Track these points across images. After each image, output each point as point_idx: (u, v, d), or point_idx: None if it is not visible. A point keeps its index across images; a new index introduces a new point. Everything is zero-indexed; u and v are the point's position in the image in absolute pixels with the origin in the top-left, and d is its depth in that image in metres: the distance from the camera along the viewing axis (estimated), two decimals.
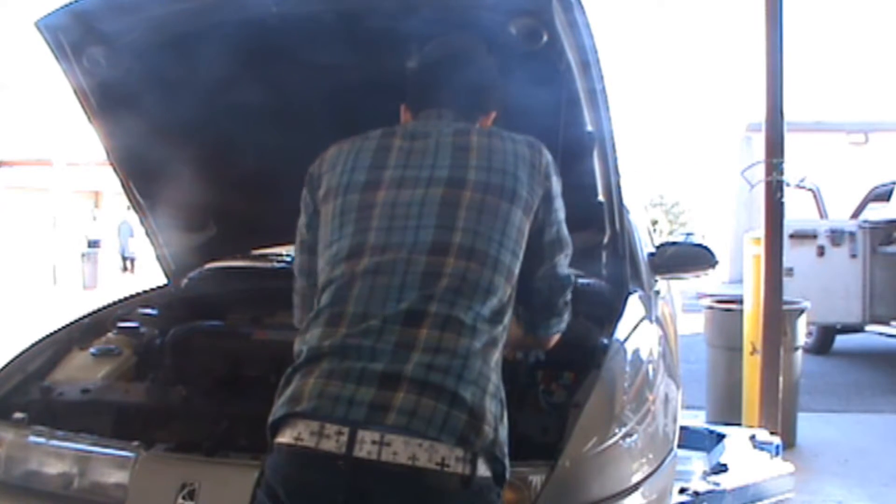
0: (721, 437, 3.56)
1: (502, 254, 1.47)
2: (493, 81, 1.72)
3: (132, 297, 2.86)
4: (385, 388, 1.33)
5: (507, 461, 1.39)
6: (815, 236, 7.61)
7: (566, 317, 1.75)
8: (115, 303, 2.76)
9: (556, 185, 1.61)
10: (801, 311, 5.01)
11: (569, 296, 1.74)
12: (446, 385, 1.34)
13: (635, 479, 1.77)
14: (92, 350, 2.39)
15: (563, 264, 1.68)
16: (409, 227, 1.47)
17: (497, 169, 1.53)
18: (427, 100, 1.68)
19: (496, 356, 1.44)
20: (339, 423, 1.31)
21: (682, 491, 2.67)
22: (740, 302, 4.99)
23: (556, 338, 1.78)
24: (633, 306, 2.33)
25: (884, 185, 8.35)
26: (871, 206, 8.31)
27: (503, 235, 1.49)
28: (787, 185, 4.59)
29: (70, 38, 2.08)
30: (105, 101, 2.26)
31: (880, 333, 7.75)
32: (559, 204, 1.63)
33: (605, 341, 2.06)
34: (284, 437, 1.36)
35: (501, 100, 1.75)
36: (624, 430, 1.79)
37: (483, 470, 1.34)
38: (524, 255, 1.55)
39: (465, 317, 1.40)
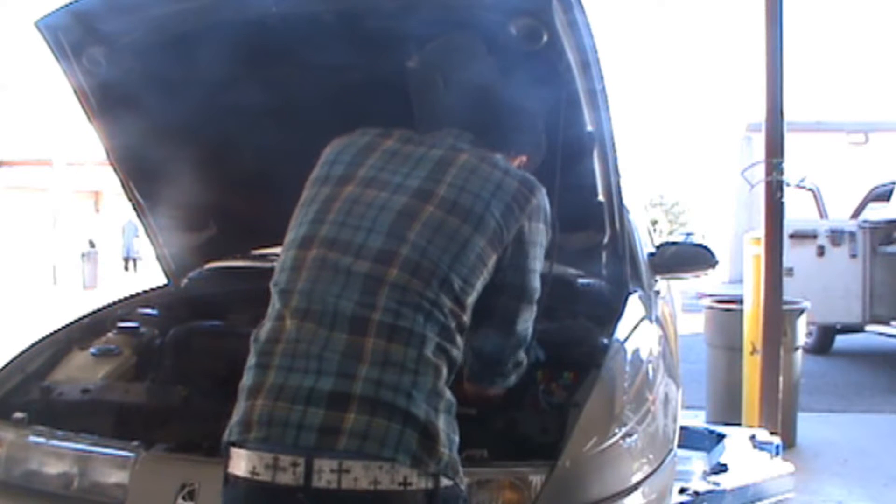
0: (721, 437, 3.56)
1: (451, 277, 1.42)
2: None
3: (132, 297, 2.86)
4: (334, 408, 1.31)
5: (458, 479, 1.38)
6: (815, 236, 7.61)
7: (512, 378, 1.72)
8: (115, 303, 2.76)
9: (537, 232, 1.56)
10: (801, 311, 5.01)
11: (521, 356, 1.69)
12: (397, 403, 1.31)
13: (635, 479, 1.77)
14: (92, 350, 2.39)
15: (521, 317, 1.62)
16: (362, 228, 1.45)
17: (470, 191, 1.49)
18: (455, 121, 1.65)
19: (445, 373, 1.40)
20: (293, 454, 1.30)
21: (682, 491, 2.67)
22: (740, 302, 4.98)
23: (496, 390, 1.76)
24: (633, 306, 2.33)
25: (884, 185, 8.35)
26: (871, 206, 8.31)
27: (455, 259, 1.44)
28: (787, 185, 4.59)
29: (70, 38, 2.07)
30: (105, 101, 2.26)
31: (880, 333, 7.75)
32: (535, 253, 1.57)
33: (605, 341, 2.06)
34: (240, 470, 1.35)
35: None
36: (624, 430, 1.79)
37: (446, 481, 1.34)
38: (486, 294, 1.50)
39: (411, 326, 1.37)
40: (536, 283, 1.61)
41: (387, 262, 1.42)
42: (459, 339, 1.45)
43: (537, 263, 1.59)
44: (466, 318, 1.47)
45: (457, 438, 1.39)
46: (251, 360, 1.43)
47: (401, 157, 1.55)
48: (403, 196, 1.48)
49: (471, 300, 1.47)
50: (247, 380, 1.41)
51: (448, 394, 1.40)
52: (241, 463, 1.35)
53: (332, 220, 1.48)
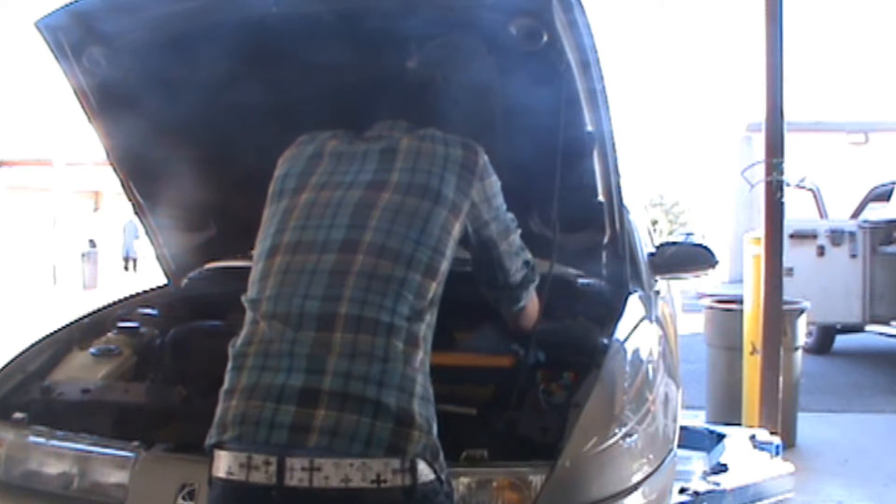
0: (721, 437, 3.56)
1: (419, 251, 1.44)
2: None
3: (132, 297, 2.86)
4: (305, 405, 1.31)
5: (438, 465, 1.36)
6: (815, 236, 7.61)
7: (531, 289, 1.77)
8: (115, 303, 2.76)
9: (492, 185, 1.60)
10: (801, 311, 5.01)
11: (530, 263, 1.76)
12: (367, 394, 1.31)
13: (635, 479, 1.77)
14: (92, 350, 2.39)
15: (514, 249, 1.69)
16: (322, 227, 1.47)
17: (422, 170, 1.51)
18: (387, 111, 1.68)
19: (420, 356, 1.41)
20: (266, 452, 1.30)
21: (682, 491, 2.67)
22: (740, 302, 4.99)
23: (530, 314, 1.81)
24: (633, 306, 2.32)
25: (884, 185, 8.36)
26: (871, 206, 8.31)
27: (421, 234, 1.45)
28: (787, 185, 4.59)
29: (70, 38, 2.07)
30: (105, 101, 2.26)
31: (880, 333, 7.75)
32: (498, 200, 1.62)
33: (605, 341, 2.06)
34: (219, 472, 1.36)
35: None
36: (624, 430, 1.79)
37: (426, 474, 1.32)
38: (476, 252, 1.59)
39: (377, 315, 1.37)
40: (509, 215, 1.67)
41: (352, 250, 1.43)
42: (430, 317, 1.45)
43: (503, 204, 1.64)
44: (439, 285, 1.47)
45: (434, 424, 1.38)
46: (228, 365, 1.44)
47: (347, 157, 1.58)
48: (358, 190, 1.51)
49: (444, 267, 1.48)
50: (224, 384, 1.43)
51: (421, 378, 1.39)
52: (220, 464, 1.37)
53: (293, 227, 1.50)
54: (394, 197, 1.48)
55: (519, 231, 1.70)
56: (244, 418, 1.34)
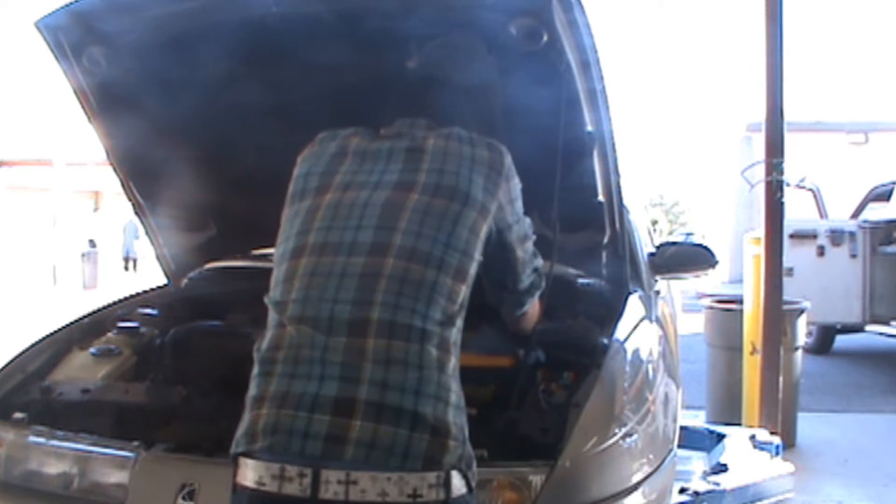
0: (721, 437, 3.57)
1: (449, 254, 1.41)
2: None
3: (132, 297, 2.86)
4: (340, 414, 1.28)
5: (471, 474, 1.35)
6: (815, 236, 7.62)
7: (536, 295, 1.75)
8: (115, 303, 2.76)
9: (516, 186, 1.58)
10: (801, 311, 5.02)
11: (539, 269, 1.73)
12: (404, 405, 1.29)
13: (635, 479, 1.77)
14: (92, 350, 2.39)
15: (530, 255, 1.67)
16: (349, 228, 1.44)
17: (450, 171, 1.48)
18: (405, 110, 1.65)
19: (453, 362, 1.39)
20: (300, 464, 1.28)
21: (682, 491, 2.67)
22: (740, 302, 4.99)
23: (530, 319, 1.79)
24: (633, 306, 2.32)
25: (884, 185, 8.36)
26: (871, 206, 8.32)
27: (450, 236, 1.43)
28: (787, 185, 4.60)
29: (70, 38, 2.08)
30: (105, 101, 2.26)
31: (880, 333, 7.76)
32: (520, 203, 1.61)
33: (605, 341, 2.06)
34: (246, 480, 1.33)
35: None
36: (624, 430, 1.79)
37: (459, 487, 1.31)
38: (494, 252, 1.54)
39: (410, 320, 1.34)
40: (527, 220, 1.64)
41: (381, 253, 1.40)
42: (460, 321, 1.44)
43: (522, 208, 1.62)
44: (468, 288, 1.45)
45: (467, 432, 1.37)
46: (254, 370, 1.42)
47: (371, 155, 1.54)
48: (385, 191, 1.48)
49: (473, 270, 1.46)
50: (251, 390, 1.40)
51: (455, 385, 1.38)
52: (248, 473, 1.33)
53: (319, 227, 1.47)
54: (421, 198, 1.45)
55: (534, 238, 1.68)
56: (276, 428, 1.31)
